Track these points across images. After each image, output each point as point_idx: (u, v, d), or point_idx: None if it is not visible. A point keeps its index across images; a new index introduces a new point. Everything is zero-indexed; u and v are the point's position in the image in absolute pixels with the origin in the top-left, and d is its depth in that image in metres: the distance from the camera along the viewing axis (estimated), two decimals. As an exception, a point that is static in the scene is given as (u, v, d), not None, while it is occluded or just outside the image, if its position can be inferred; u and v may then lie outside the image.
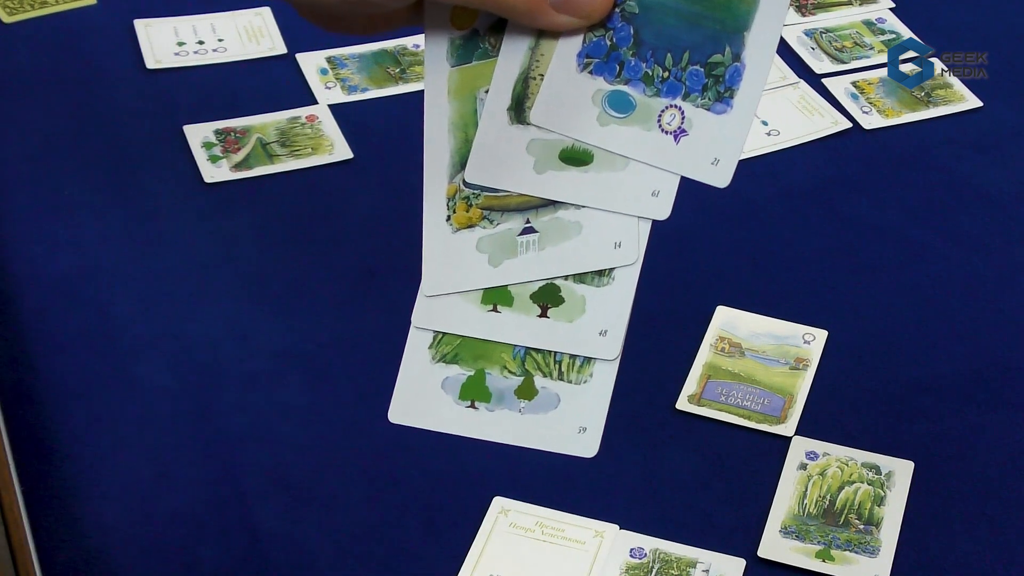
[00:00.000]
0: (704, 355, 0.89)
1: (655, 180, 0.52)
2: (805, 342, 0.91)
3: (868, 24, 1.21)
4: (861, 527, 0.80)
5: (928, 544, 0.79)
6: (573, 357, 0.53)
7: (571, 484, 0.82)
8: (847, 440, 0.85)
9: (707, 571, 0.77)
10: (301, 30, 1.18)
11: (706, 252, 0.98)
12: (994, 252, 0.99)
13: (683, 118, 0.52)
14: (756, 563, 0.78)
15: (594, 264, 0.53)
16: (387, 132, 1.09)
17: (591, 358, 0.53)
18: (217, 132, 1.07)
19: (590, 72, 0.52)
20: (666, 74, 0.52)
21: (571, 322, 0.53)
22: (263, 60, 1.16)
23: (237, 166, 1.04)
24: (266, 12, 1.20)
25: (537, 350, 0.54)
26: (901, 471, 0.83)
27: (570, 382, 0.54)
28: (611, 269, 0.53)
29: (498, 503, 0.80)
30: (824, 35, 1.19)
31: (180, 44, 1.16)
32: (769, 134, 1.07)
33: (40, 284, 0.95)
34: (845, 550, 0.78)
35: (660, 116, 0.52)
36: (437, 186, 0.53)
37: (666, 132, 0.52)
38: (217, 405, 0.87)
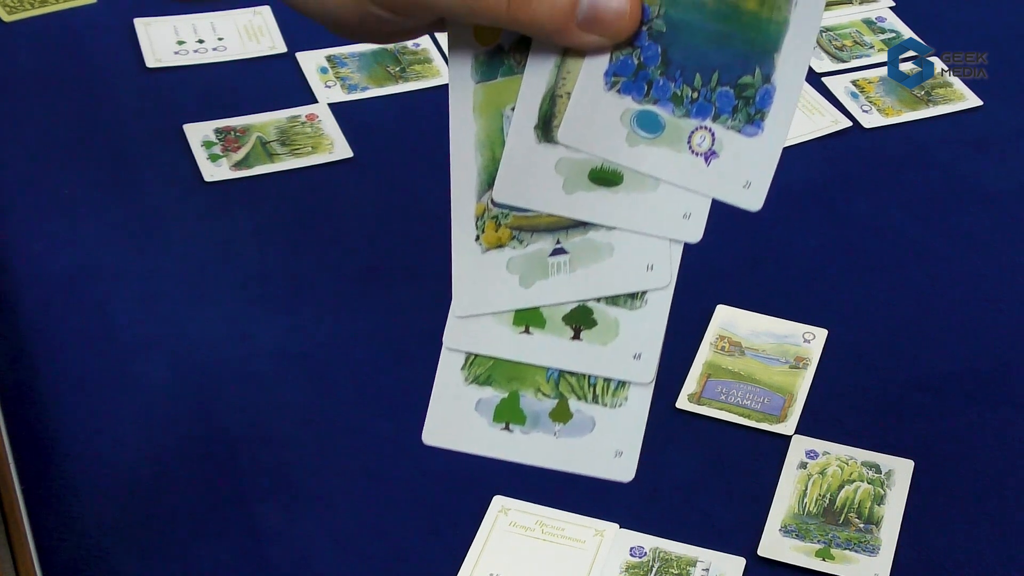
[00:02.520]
0: (704, 354, 0.89)
1: (686, 202, 0.51)
2: (805, 341, 0.91)
3: (868, 23, 1.21)
4: (861, 526, 0.80)
5: (928, 543, 0.79)
6: (608, 380, 0.52)
7: (571, 483, 0.82)
8: (847, 439, 0.85)
9: (707, 570, 0.77)
10: (301, 29, 1.18)
11: (706, 251, 0.98)
12: (994, 252, 0.99)
13: (713, 139, 0.50)
14: (756, 562, 0.78)
15: (626, 287, 0.52)
16: (387, 131, 1.09)
17: (626, 381, 0.52)
18: (217, 131, 1.07)
19: (618, 91, 0.50)
20: (695, 95, 0.50)
21: (604, 345, 0.52)
22: (263, 59, 1.16)
23: (237, 165, 1.04)
24: (266, 11, 1.20)
25: (571, 372, 0.53)
26: (901, 470, 0.83)
27: (605, 405, 0.52)
28: (644, 292, 0.52)
29: (498, 502, 0.80)
30: (824, 34, 1.19)
31: (180, 43, 1.16)
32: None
33: (40, 283, 0.95)
34: (845, 549, 0.78)
35: (690, 137, 0.51)
36: (465, 205, 0.52)
37: (696, 154, 0.51)
38: (217, 405, 0.87)
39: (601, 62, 0.50)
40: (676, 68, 0.50)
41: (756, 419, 0.86)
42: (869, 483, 0.82)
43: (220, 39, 1.17)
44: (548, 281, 0.52)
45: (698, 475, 0.83)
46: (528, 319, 0.52)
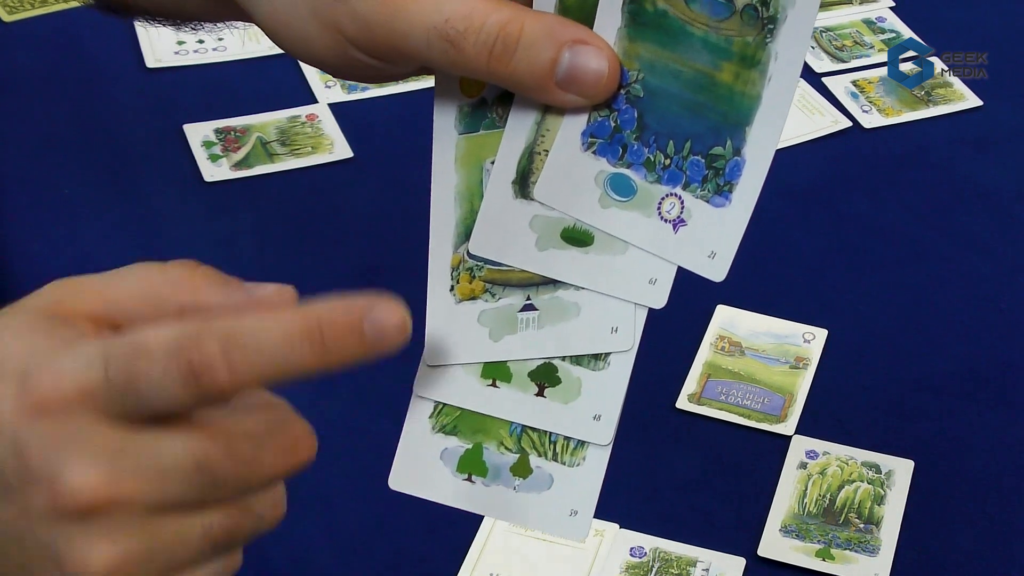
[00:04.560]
0: (704, 354, 0.89)
1: (653, 268, 0.51)
2: (805, 341, 0.91)
3: (868, 23, 1.21)
4: (861, 526, 0.80)
5: (928, 543, 0.79)
6: (568, 439, 0.52)
7: (571, 483, 0.82)
8: (847, 439, 0.85)
9: (707, 570, 0.77)
10: (301, 29, 1.18)
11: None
12: (994, 252, 0.99)
13: (682, 208, 0.51)
14: (756, 562, 0.78)
15: (590, 347, 0.52)
16: (387, 131, 1.09)
17: (585, 441, 0.53)
18: (217, 131, 1.07)
19: (594, 152, 0.51)
20: (667, 161, 0.51)
21: (566, 404, 0.52)
22: (263, 59, 1.16)
23: (237, 165, 1.04)
24: (266, 11, 1.20)
25: (533, 429, 0.53)
26: (901, 470, 0.83)
27: (563, 463, 0.53)
28: (607, 354, 0.52)
29: (498, 502, 0.80)
30: (824, 34, 1.19)
31: (180, 43, 1.16)
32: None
33: (40, 283, 0.94)
34: (845, 549, 0.78)
35: (660, 204, 0.51)
36: (442, 255, 0.53)
37: (665, 220, 0.51)
38: (217, 404, 0.87)
39: (579, 122, 0.51)
40: (651, 134, 0.50)
41: (756, 419, 0.86)
42: (869, 483, 0.82)
43: (220, 39, 1.17)
44: (516, 336, 0.52)
45: (698, 475, 0.83)
46: (496, 373, 0.53)
